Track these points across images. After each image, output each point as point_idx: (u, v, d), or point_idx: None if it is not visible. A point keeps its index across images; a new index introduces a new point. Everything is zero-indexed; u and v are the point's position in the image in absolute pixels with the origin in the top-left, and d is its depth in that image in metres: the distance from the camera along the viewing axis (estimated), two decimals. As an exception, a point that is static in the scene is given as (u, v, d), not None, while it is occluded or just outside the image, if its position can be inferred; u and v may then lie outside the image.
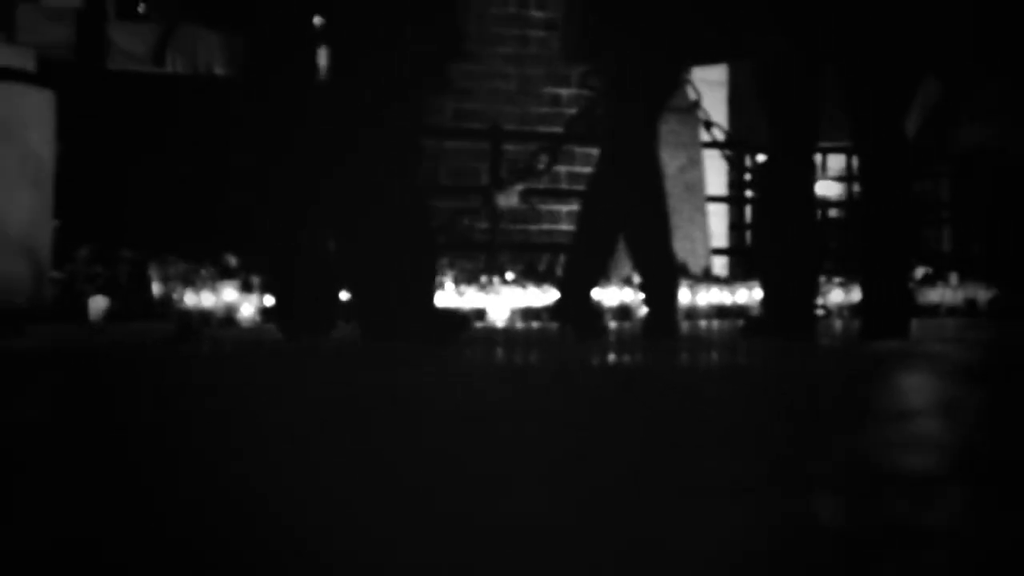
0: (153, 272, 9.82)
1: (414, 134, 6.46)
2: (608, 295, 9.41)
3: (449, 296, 10.16)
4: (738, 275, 12.31)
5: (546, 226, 12.52)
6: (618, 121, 6.63)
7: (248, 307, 8.99)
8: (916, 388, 3.44)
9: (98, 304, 9.37)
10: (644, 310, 6.86)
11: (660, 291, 6.62)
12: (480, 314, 9.98)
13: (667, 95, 6.84)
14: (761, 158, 10.43)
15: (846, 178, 14.58)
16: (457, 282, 10.21)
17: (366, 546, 1.35)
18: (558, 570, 1.21)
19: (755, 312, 8.33)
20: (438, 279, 8.27)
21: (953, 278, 14.38)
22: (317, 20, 6.50)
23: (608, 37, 6.46)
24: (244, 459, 2.08)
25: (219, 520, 1.51)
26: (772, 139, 6.57)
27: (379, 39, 6.01)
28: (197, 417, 2.79)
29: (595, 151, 7.65)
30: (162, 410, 2.97)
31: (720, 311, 10.90)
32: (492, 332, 7.95)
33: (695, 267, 11.13)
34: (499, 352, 5.67)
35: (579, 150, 11.57)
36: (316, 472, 1.91)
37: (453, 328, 6.16)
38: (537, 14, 13.12)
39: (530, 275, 10.52)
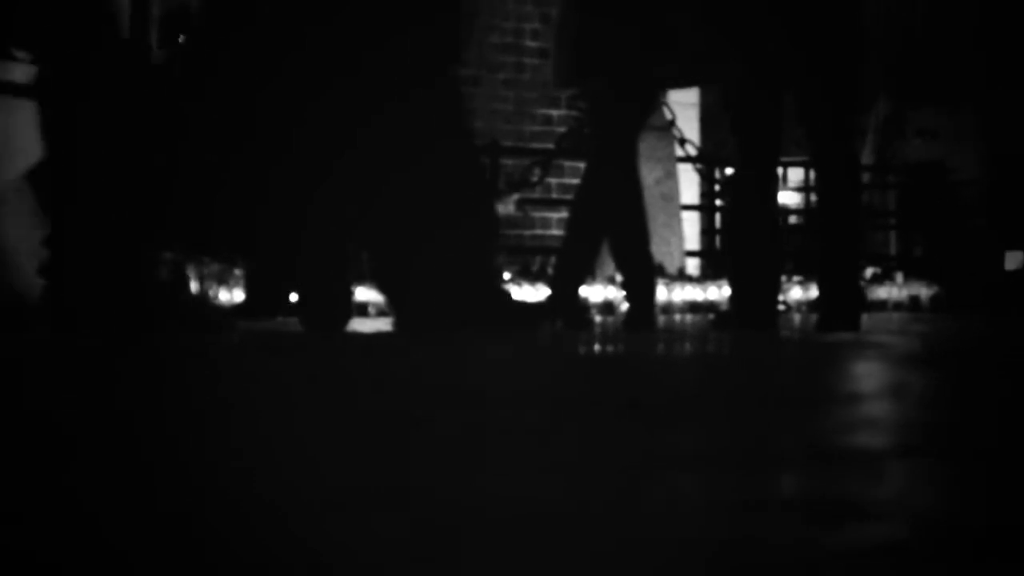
0: (190, 271, 9.80)
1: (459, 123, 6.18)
2: (594, 292, 9.41)
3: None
4: (709, 275, 12.36)
5: (539, 231, 12.55)
6: (602, 138, 6.62)
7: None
8: (866, 374, 3.43)
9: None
10: (625, 305, 6.85)
11: (639, 288, 6.62)
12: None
13: (645, 115, 6.82)
14: (729, 171, 10.43)
15: (804, 189, 14.60)
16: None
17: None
18: (542, 541, 1.17)
19: (724, 307, 8.30)
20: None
21: (899, 277, 14.45)
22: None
23: (594, 65, 6.45)
24: (258, 436, 2.05)
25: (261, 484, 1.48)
26: (739, 154, 6.59)
27: (385, 38, 5.85)
28: (228, 392, 2.78)
29: (582, 165, 7.64)
30: (195, 391, 2.95)
31: (693, 306, 10.92)
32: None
33: (670, 267, 11.15)
34: (499, 341, 5.65)
35: (568, 164, 11.57)
36: (303, 443, 1.89)
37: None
38: (531, 44, 13.17)
39: (525, 274, 10.57)
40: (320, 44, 5.84)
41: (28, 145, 5.64)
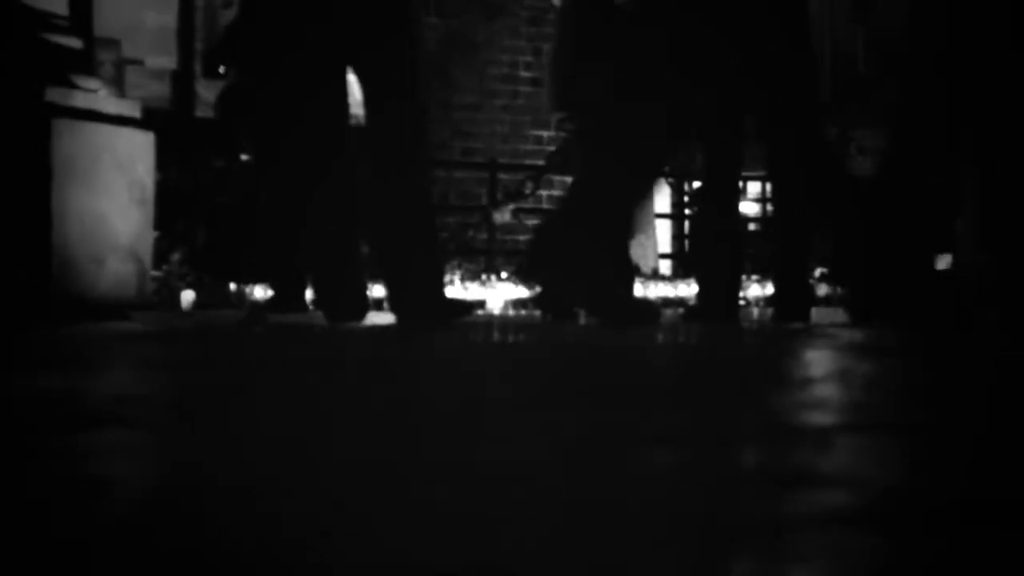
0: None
1: (423, 144, 6.11)
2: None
3: (456, 290, 10.17)
4: (679, 274, 12.38)
5: (531, 236, 12.56)
6: (587, 156, 6.61)
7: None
8: (816, 360, 3.42)
9: (187, 296, 9.35)
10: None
11: (619, 286, 6.60)
12: (481, 304, 10.00)
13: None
14: (696, 184, 10.42)
15: (761, 200, 14.60)
16: (463, 279, 10.23)
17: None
18: (535, 513, 1.15)
19: (692, 302, 8.27)
20: (446, 273, 8.21)
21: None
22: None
23: (579, 93, 6.45)
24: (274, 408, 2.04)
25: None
26: (705, 169, 6.60)
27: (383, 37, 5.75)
28: (258, 371, 2.77)
29: (568, 179, 7.63)
30: (232, 371, 2.95)
31: (665, 301, 10.91)
32: (491, 317, 7.95)
33: (646, 268, 11.15)
34: (495, 332, 5.64)
35: (556, 178, 11.56)
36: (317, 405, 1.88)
37: (460, 311, 6.09)
38: (524, 74, 13.18)
39: (519, 274, 10.56)
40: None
41: (89, 164, 5.62)
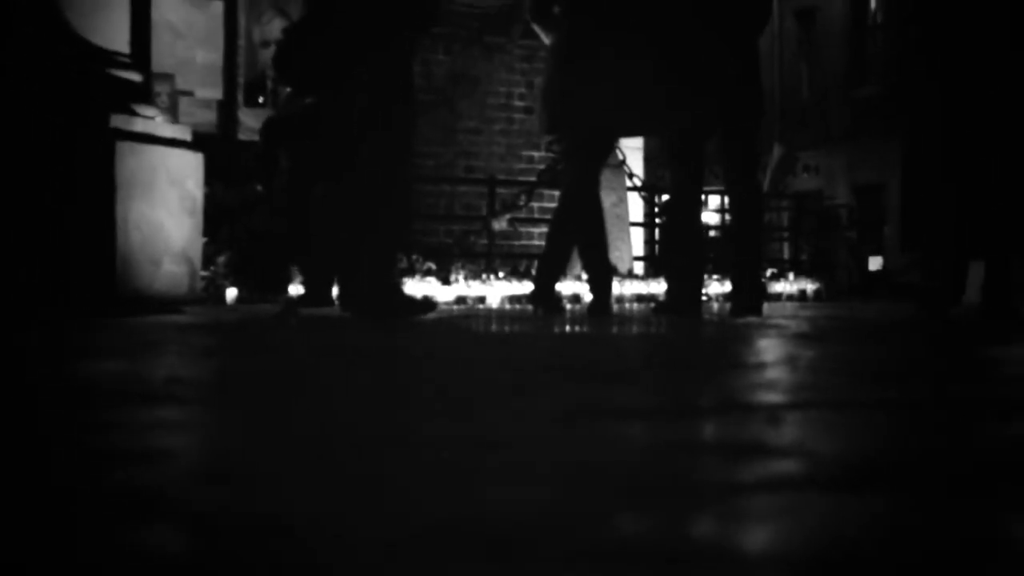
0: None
1: (407, 147, 5.77)
2: (566, 286, 9.39)
3: (460, 288, 10.16)
4: (650, 273, 12.40)
5: (524, 242, 12.58)
6: (572, 172, 6.60)
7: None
8: (768, 347, 3.41)
9: (231, 293, 9.33)
10: (589, 296, 6.84)
11: (600, 284, 6.60)
12: (482, 299, 10.00)
13: (604, 156, 6.81)
14: (665, 197, 10.42)
15: (720, 211, 14.62)
16: (466, 278, 10.23)
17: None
18: (518, 460, 1.15)
19: (661, 298, 8.28)
20: (413, 267, 8.11)
21: (790, 275, 14.46)
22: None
23: (567, 119, 6.44)
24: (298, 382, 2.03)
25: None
26: (672, 184, 6.60)
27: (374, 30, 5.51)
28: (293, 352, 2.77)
29: (557, 192, 7.62)
30: (267, 354, 2.94)
31: (639, 297, 10.93)
32: (490, 310, 7.93)
33: (622, 268, 11.16)
34: (494, 322, 5.63)
35: (546, 192, 11.55)
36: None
37: (419, 308, 5.98)
38: (518, 103, 13.23)
39: (514, 274, 10.58)
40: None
41: (147, 180, 5.62)
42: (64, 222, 5.27)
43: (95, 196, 5.38)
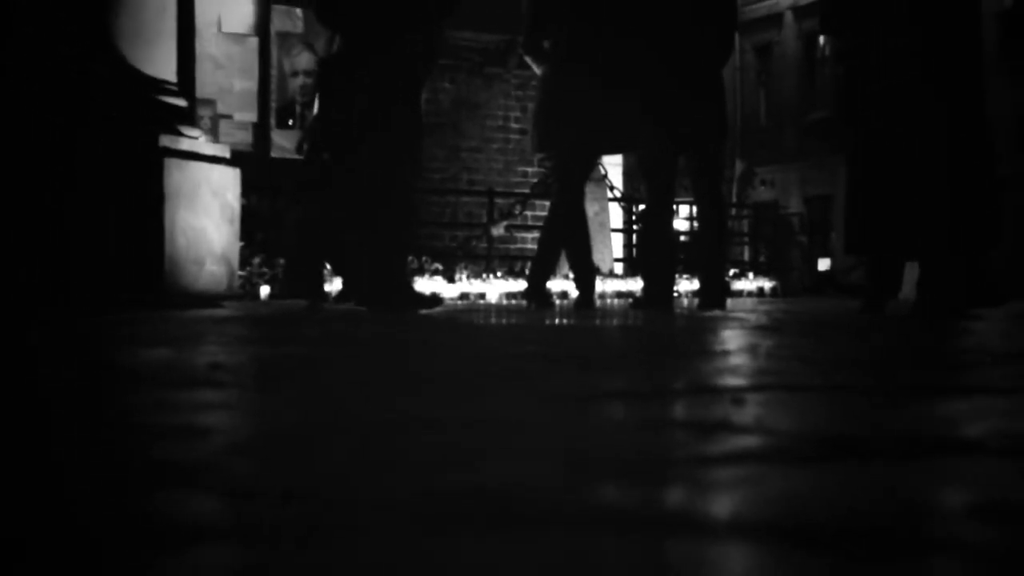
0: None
1: (415, 144, 5.54)
2: (555, 284, 9.39)
3: (463, 285, 10.15)
4: (628, 273, 12.41)
5: (519, 245, 12.61)
6: (560, 185, 6.60)
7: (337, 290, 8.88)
8: (731, 338, 3.40)
9: (264, 290, 9.32)
10: (575, 293, 6.84)
11: (584, 282, 6.60)
12: (482, 295, 9.99)
13: (587, 172, 6.81)
14: (641, 207, 10.43)
15: (689, 218, 14.62)
16: (468, 277, 10.22)
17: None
18: (522, 437, 1.14)
19: (638, 294, 8.29)
20: (424, 265, 8.03)
21: (750, 275, 14.47)
22: None
23: (555, 140, 6.44)
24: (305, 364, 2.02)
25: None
26: (648, 196, 6.61)
27: (380, 42, 5.33)
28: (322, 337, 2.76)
29: (547, 202, 7.62)
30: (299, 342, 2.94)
31: (619, 294, 10.93)
32: (490, 305, 7.92)
33: (604, 268, 11.18)
34: (493, 315, 5.62)
35: (539, 202, 11.57)
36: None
37: (427, 302, 5.93)
38: (514, 125, 13.27)
39: (510, 273, 10.59)
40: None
41: (192, 191, 5.60)
42: (118, 228, 5.27)
43: (146, 206, 5.37)
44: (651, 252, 6.62)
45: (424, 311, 5.62)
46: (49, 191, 5.09)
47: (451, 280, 10.17)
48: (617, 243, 13.89)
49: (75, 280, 5.08)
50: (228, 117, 12.41)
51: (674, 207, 7.22)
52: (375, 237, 5.47)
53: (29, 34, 5.25)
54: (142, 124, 5.45)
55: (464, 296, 10.02)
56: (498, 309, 7.07)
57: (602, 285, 10.40)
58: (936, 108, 5.82)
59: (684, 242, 13.86)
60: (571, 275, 7.83)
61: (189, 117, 6.09)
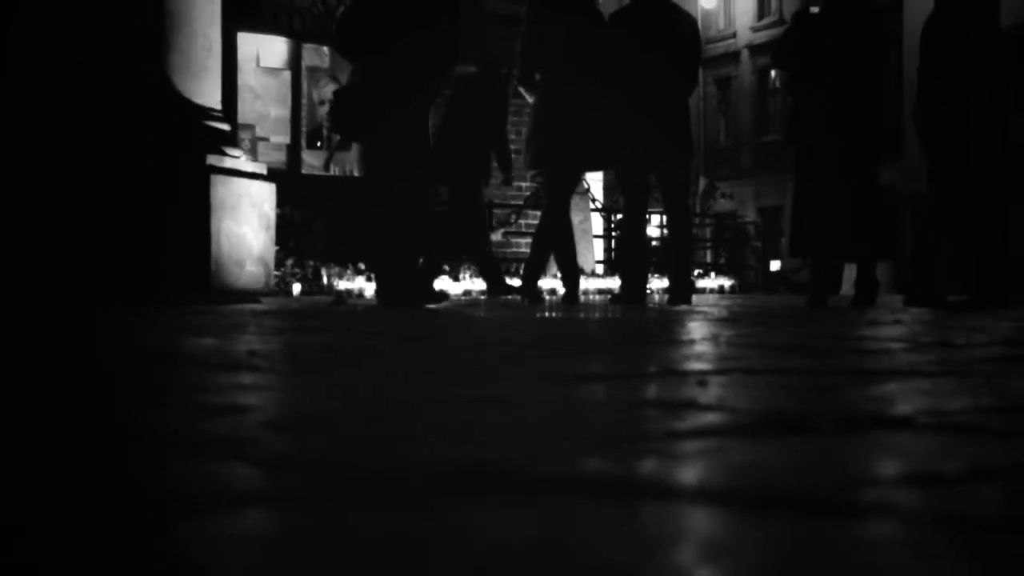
0: (323, 271, 9.72)
1: (422, 142, 5.41)
2: (546, 282, 9.39)
3: (467, 283, 10.14)
4: (608, 272, 12.40)
5: (514, 250, 12.60)
6: (549, 198, 6.60)
7: (370, 288, 8.87)
8: (696, 328, 3.40)
9: (296, 287, 9.30)
10: (563, 290, 6.83)
11: (571, 281, 6.60)
12: (483, 292, 9.99)
13: (573, 186, 6.81)
14: (619, 216, 10.43)
15: (660, 226, 14.62)
16: (471, 276, 10.20)
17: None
18: (515, 415, 1.13)
19: (616, 291, 8.29)
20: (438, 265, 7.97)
21: (712, 274, 14.45)
22: None
23: (544, 158, 6.45)
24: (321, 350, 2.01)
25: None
26: (625, 207, 6.62)
27: (386, 43, 5.20)
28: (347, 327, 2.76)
29: (539, 212, 7.62)
30: (322, 332, 2.93)
31: (600, 290, 10.92)
32: (489, 301, 7.91)
33: (587, 269, 11.17)
34: (492, 309, 5.61)
35: (531, 212, 11.57)
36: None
37: (435, 298, 5.94)
38: (511, 147, 13.24)
39: (507, 273, 10.56)
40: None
41: (234, 203, 5.59)
42: (173, 234, 5.27)
43: (195, 216, 5.38)
44: (627, 255, 6.64)
45: (432, 306, 5.63)
46: (112, 203, 5.09)
47: (456, 279, 10.16)
48: (598, 247, 13.89)
49: (143, 280, 5.10)
50: (265, 139, 12.40)
51: (647, 216, 7.22)
52: (389, 240, 5.49)
53: (108, 75, 5.24)
54: (193, 146, 5.44)
55: (467, 293, 10.02)
56: (496, 304, 7.06)
57: (586, 283, 10.39)
58: (864, 134, 5.91)
59: (656, 246, 13.89)
60: (559, 275, 7.84)
61: (232, 140, 6.08)
